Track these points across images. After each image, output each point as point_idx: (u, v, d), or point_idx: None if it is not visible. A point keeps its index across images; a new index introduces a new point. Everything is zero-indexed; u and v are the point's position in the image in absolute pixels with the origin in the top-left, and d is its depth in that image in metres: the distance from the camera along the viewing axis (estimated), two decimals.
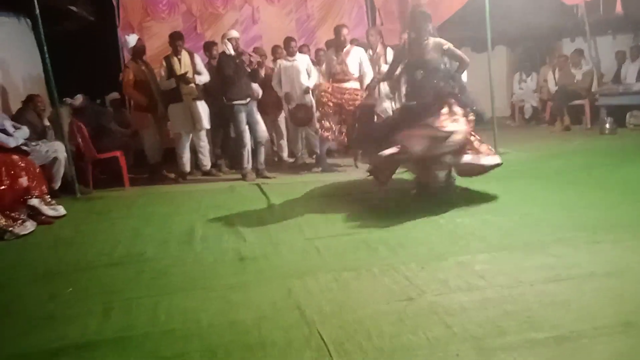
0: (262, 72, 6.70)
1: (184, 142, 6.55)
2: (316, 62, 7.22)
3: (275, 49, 7.39)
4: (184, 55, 6.41)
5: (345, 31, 6.22)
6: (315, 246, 3.45)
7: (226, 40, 6.20)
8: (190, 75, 6.32)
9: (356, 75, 6.19)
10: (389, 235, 3.56)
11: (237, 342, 2.23)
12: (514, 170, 5.38)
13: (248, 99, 6.24)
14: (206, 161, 6.69)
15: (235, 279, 3.00)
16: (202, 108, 6.44)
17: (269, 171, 6.42)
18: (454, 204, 4.21)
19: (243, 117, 6.18)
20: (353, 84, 6.17)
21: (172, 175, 6.74)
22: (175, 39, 6.45)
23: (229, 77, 6.09)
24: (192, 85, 6.34)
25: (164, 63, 6.47)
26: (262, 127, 6.45)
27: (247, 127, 6.24)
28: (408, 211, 4.12)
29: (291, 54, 6.85)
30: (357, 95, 6.16)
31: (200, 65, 6.54)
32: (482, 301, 2.42)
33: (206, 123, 6.49)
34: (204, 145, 6.63)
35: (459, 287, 2.60)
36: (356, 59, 6.20)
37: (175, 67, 6.34)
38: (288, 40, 6.99)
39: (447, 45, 4.34)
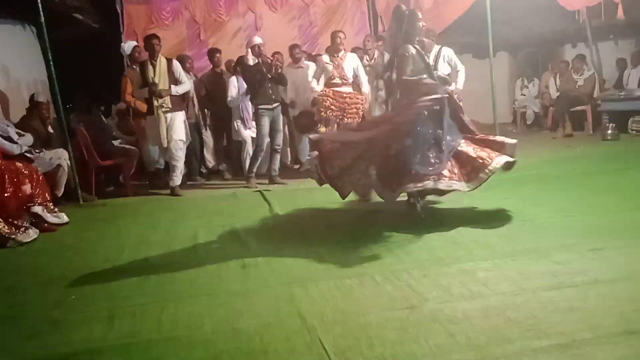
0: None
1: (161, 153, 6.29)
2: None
3: (274, 56, 7.42)
4: (161, 62, 5.90)
5: (342, 35, 6.27)
6: (318, 253, 3.45)
7: (248, 49, 6.17)
8: (164, 85, 5.85)
9: (351, 80, 6.24)
10: (392, 242, 3.56)
11: (240, 349, 2.24)
12: (516, 177, 5.37)
13: (275, 104, 6.20)
14: (176, 180, 6.08)
15: (238, 285, 3.01)
16: (178, 120, 6.00)
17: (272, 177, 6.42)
18: (456, 212, 4.22)
19: (266, 121, 6.15)
20: (349, 89, 6.22)
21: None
22: (151, 39, 5.96)
23: (250, 84, 6.13)
24: (167, 96, 5.88)
25: (138, 70, 6.02)
26: (281, 135, 6.46)
27: (268, 132, 6.21)
28: (411, 218, 4.13)
29: (296, 60, 6.89)
30: (358, 99, 6.23)
31: (179, 73, 6.07)
32: (485, 309, 2.42)
33: (179, 135, 6.00)
34: (176, 160, 6.05)
35: (461, 295, 2.60)
36: (351, 65, 6.26)
37: (148, 75, 5.83)
38: (292, 48, 7.03)
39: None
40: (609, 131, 7.72)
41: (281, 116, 6.39)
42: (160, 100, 5.82)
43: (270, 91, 6.16)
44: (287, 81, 6.39)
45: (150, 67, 5.83)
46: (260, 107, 6.12)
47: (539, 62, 10.95)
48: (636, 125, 7.96)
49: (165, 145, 5.93)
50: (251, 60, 6.14)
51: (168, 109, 5.89)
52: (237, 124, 6.70)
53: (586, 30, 8.86)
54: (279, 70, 6.23)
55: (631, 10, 8.26)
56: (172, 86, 5.92)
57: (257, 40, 6.27)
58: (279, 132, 6.36)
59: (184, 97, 6.63)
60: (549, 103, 9.46)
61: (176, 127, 5.95)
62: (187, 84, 6.17)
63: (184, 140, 6.10)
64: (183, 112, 6.14)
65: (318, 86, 6.51)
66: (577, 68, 8.92)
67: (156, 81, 5.76)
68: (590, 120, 8.62)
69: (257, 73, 6.08)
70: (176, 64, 6.08)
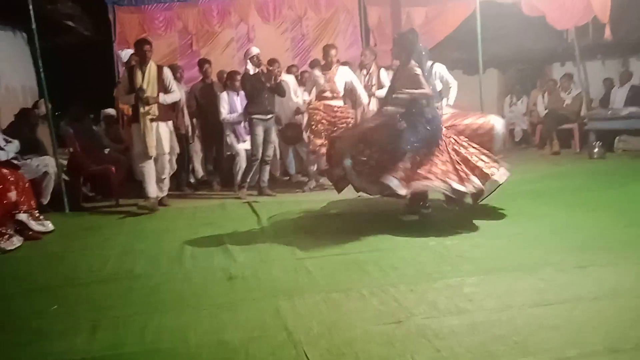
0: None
1: (145, 167, 5.64)
2: (301, 82, 7.29)
3: (273, 64, 7.45)
4: (151, 68, 5.56)
5: (333, 51, 6.31)
6: (305, 266, 3.44)
7: (247, 59, 6.16)
8: (153, 92, 5.50)
9: (342, 94, 6.28)
10: (380, 256, 3.56)
11: None
12: (503, 193, 5.40)
13: (269, 115, 6.21)
14: (162, 191, 5.87)
15: (224, 298, 2.98)
16: (162, 131, 5.64)
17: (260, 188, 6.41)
18: (444, 225, 4.23)
19: (260, 131, 6.14)
20: (340, 102, 6.26)
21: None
22: (142, 44, 5.60)
23: (248, 94, 6.14)
24: (154, 103, 5.50)
25: (126, 74, 5.67)
26: (272, 146, 6.44)
27: (262, 142, 6.20)
28: (399, 232, 4.14)
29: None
30: (349, 113, 6.25)
31: (169, 80, 5.74)
32: (471, 325, 2.42)
33: (165, 147, 5.69)
34: (162, 173, 5.79)
35: (448, 310, 2.60)
36: (343, 78, 6.29)
37: (137, 80, 5.48)
38: (272, 62, 7.06)
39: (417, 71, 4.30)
40: (596, 150, 7.79)
41: (274, 128, 6.39)
42: (146, 108, 5.47)
43: (267, 102, 6.17)
44: (285, 91, 6.41)
45: (139, 73, 5.50)
46: (254, 116, 6.12)
47: (527, 80, 11.08)
48: (623, 144, 8.07)
49: (152, 154, 5.55)
50: (251, 70, 6.15)
51: (154, 117, 5.53)
52: (230, 138, 6.70)
53: (574, 49, 8.98)
54: (278, 80, 6.24)
55: (618, 30, 8.41)
56: (161, 94, 5.59)
57: (256, 50, 6.28)
58: (271, 143, 6.36)
59: (174, 107, 6.61)
60: (536, 121, 9.56)
61: (162, 138, 5.65)
62: (176, 94, 5.90)
63: (168, 152, 5.81)
64: (170, 122, 5.85)
65: (299, 98, 6.53)
66: (565, 86, 9.03)
67: (144, 87, 5.45)
68: (577, 138, 8.72)
69: (256, 82, 6.09)
70: (167, 72, 5.79)
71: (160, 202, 5.88)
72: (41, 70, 5.68)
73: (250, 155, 6.31)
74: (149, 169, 5.63)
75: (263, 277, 3.31)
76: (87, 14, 8.60)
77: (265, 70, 6.18)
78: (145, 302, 2.97)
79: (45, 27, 6.16)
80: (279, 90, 6.23)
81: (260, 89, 6.10)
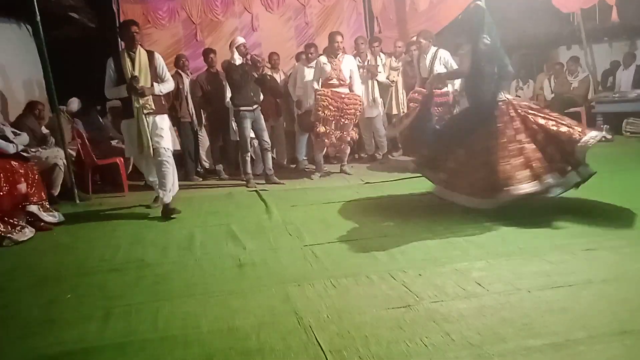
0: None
1: (144, 165, 5.20)
2: None
3: (271, 56, 7.47)
4: (141, 54, 4.79)
5: (339, 38, 6.27)
6: (313, 252, 3.47)
7: (234, 49, 6.13)
8: (146, 81, 4.76)
9: (348, 81, 6.26)
10: (387, 242, 3.58)
11: (236, 348, 2.25)
12: None
13: (255, 106, 6.20)
14: (169, 194, 4.91)
15: (234, 284, 3.02)
16: (165, 125, 4.95)
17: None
18: (451, 210, 4.24)
19: (248, 123, 6.16)
20: (346, 90, 6.24)
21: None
22: (129, 25, 4.82)
23: (234, 84, 6.11)
24: (150, 94, 4.78)
25: (112, 63, 4.81)
26: (267, 133, 6.45)
27: (251, 133, 6.23)
28: (406, 218, 4.15)
29: (310, 60, 6.91)
30: (356, 99, 6.23)
31: (162, 68, 4.96)
32: (479, 308, 2.44)
33: (166, 142, 4.89)
34: (167, 168, 4.88)
35: (456, 294, 2.62)
36: (348, 66, 6.28)
37: (126, 69, 4.73)
38: (308, 47, 7.07)
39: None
40: (603, 133, 7.75)
41: (262, 116, 6.37)
42: (142, 100, 4.73)
43: (252, 93, 6.16)
44: (269, 84, 6.42)
45: (127, 60, 4.73)
46: (241, 108, 6.12)
47: (533, 64, 10.99)
48: (630, 127, 8.01)
49: (148, 154, 4.86)
50: (238, 59, 6.14)
51: (151, 111, 4.80)
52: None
53: (580, 32, 8.91)
54: (263, 71, 6.24)
55: (625, 12, 8.33)
56: (155, 84, 4.84)
57: (241, 40, 6.27)
58: (264, 131, 6.35)
59: (179, 96, 6.63)
60: (543, 104, 9.48)
61: (163, 132, 4.88)
62: (171, 82, 5.11)
63: (171, 148, 5.03)
64: (166, 115, 5.09)
65: (317, 86, 6.53)
66: (572, 70, 8.95)
67: (136, 75, 4.72)
68: (584, 122, 8.64)
69: (243, 73, 6.08)
70: (159, 58, 4.99)
71: (166, 209, 4.89)
72: (47, 62, 5.69)
73: (241, 147, 6.31)
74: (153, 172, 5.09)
75: (272, 263, 3.34)
76: (91, 5, 8.59)
77: (255, 60, 6.13)
78: (156, 290, 3.01)
79: (49, 19, 6.16)
80: (263, 81, 6.23)
81: (248, 80, 6.10)
